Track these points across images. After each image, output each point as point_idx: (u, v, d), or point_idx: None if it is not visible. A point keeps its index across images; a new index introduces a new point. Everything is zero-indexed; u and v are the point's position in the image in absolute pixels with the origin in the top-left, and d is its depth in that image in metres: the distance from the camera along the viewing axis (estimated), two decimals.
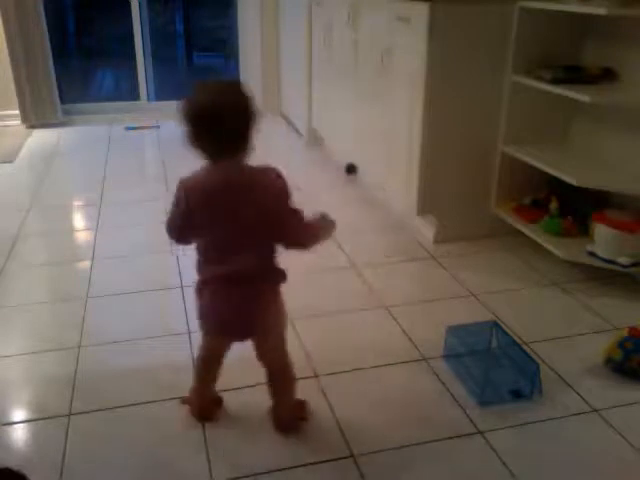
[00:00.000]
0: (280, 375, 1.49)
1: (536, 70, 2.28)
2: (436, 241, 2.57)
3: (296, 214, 1.34)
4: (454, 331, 1.81)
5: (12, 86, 4.21)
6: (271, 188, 1.31)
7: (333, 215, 1.42)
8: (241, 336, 1.44)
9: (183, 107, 1.27)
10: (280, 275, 1.39)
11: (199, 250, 1.37)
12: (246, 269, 1.32)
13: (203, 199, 1.31)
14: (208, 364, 1.54)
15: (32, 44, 4.14)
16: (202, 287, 1.38)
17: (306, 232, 1.36)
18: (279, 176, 1.32)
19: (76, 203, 3.13)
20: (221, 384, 1.61)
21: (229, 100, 1.27)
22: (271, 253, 1.37)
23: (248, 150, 1.32)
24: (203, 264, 1.37)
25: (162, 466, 1.43)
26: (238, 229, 1.31)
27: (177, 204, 1.34)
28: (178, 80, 6.87)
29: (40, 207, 2.99)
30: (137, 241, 2.57)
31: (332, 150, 3.69)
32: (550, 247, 2.26)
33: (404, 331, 1.94)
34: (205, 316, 1.41)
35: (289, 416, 1.52)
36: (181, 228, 1.37)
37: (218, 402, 1.60)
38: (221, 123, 1.25)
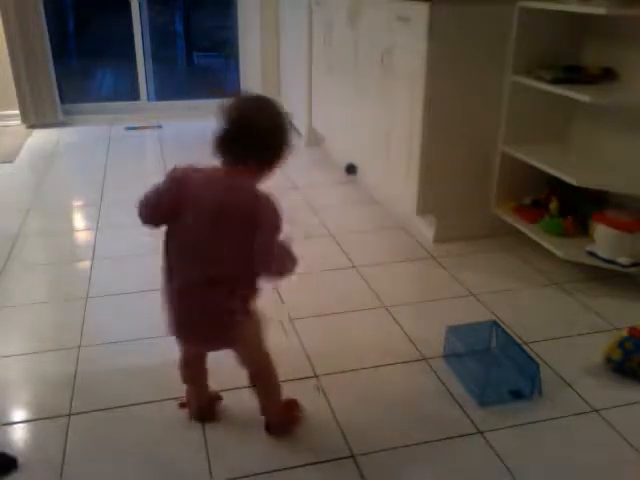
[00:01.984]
0: (258, 379, 1.47)
1: (536, 70, 2.28)
2: (436, 241, 2.57)
3: (274, 249, 1.30)
4: (454, 331, 1.81)
5: (12, 86, 4.20)
6: (265, 217, 1.28)
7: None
8: (202, 345, 1.42)
9: (222, 108, 1.29)
10: (244, 309, 1.34)
11: (169, 252, 1.35)
12: (213, 280, 1.29)
13: (193, 193, 1.30)
14: (190, 367, 1.53)
15: (32, 44, 4.14)
16: (166, 290, 1.36)
17: (276, 265, 1.32)
18: (276, 210, 1.29)
19: (76, 203, 3.13)
20: (221, 384, 1.61)
21: (265, 117, 1.30)
22: (244, 278, 1.33)
23: (264, 173, 1.33)
24: (172, 269, 1.35)
25: (162, 466, 1.43)
26: (216, 238, 1.28)
27: (165, 182, 1.34)
28: (178, 80, 6.88)
29: (40, 207, 2.99)
30: (137, 241, 2.57)
31: (332, 150, 3.69)
32: (550, 247, 2.26)
33: (404, 331, 1.94)
34: (167, 317, 1.38)
35: (277, 420, 1.51)
36: (156, 207, 1.35)
37: (217, 400, 1.60)
38: (248, 134, 1.28)
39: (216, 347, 1.43)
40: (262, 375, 1.47)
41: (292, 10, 4.05)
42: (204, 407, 1.56)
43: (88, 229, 2.76)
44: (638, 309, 2.06)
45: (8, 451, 1.44)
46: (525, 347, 1.82)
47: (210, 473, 1.40)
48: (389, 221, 2.82)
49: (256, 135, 1.29)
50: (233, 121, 1.29)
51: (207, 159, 1.34)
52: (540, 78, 2.23)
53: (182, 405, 1.59)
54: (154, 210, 1.37)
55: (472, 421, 1.55)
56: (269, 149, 1.32)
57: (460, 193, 2.52)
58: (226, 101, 1.31)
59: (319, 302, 2.12)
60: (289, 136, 1.35)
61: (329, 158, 3.70)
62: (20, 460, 1.42)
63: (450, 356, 1.79)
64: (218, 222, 1.28)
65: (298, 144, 4.03)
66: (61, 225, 2.82)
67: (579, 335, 1.93)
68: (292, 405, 1.57)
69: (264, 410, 1.51)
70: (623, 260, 2.08)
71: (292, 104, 4.33)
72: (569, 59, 2.33)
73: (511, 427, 1.54)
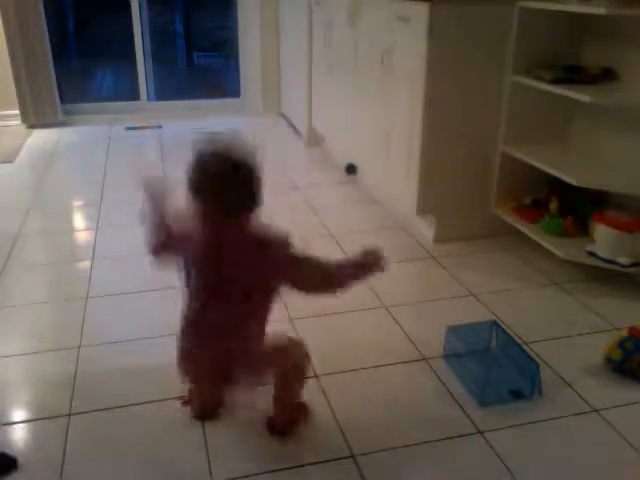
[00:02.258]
0: (289, 372, 1.46)
1: (536, 70, 2.28)
2: (436, 241, 2.57)
3: (308, 264, 1.35)
4: (454, 331, 1.81)
5: (12, 86, 4.20)
6: (281, 264, 1.34)
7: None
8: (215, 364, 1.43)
9: (191, 167, 1.30)
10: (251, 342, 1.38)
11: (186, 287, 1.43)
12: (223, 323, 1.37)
13: (192, 256, 1.39)
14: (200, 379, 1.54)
15: (32, 44, 4.14)
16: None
17: (326, 279, 1.40)
18: (283, 245, 1.32)
19: (76, 203, 3.13)
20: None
21: (232, 172, 1.28)
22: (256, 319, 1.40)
23: (249, 215, 1.33)
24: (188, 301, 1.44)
25: (162, 466, 1.43)
26: (225, 288, 1.35)
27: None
28: (178, 80, 6.88)
29: (40, 207, 3.00)
30: (137, 241, 2.55)
31: (332, 150, 3.69)
32: (550, 247, 2.26)
33: (404, 331, 1.95)
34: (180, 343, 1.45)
35: (283, 420, 1.50)
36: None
37: (219, 401, 1.60)
38: (220, 195, 1.29)
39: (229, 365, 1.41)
40: (294, 368, 1.46)
41: (292, 10, 4.05)
42: (206, 406, 1.56)
43: (88, 229, 2.76)
44: (638, 309, 2.06)
45: (8, 451, 1.44)
46: (525, 347, 1.82)
47: (210, 473, 1.40)
48: (389, 221, 2.82)
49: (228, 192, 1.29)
50: (205, 174, 1.29)
51: None
52: (540, 78, 2.23)
53: (185, 403, 1.59)
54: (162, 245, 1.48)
55: (472, 421, 1.55)
56: (243, 194, 1.31)
57: (460, 193, 2.52)
58: (195, 157, 1.30)
59: (319, 302, 2.11)
60: (258, 178, 1.32)
61: (329, 158, 3.70)
62: (20, 460, 1.42)
63: (450, 356, 1.79)
64: (219, 280, 1.35)
65: (298, 144, 4.03)
66: (61, 225, 2.82)
67: (579, 335, 1.93)
68: (301, 408, 1.56)
69: (276, 404, 1.49)
70: (623, 260, 2.08)
71: (292, 104, 4.34)
72: (569, 59, 2.33)
73: (511, 427, 1.54)
